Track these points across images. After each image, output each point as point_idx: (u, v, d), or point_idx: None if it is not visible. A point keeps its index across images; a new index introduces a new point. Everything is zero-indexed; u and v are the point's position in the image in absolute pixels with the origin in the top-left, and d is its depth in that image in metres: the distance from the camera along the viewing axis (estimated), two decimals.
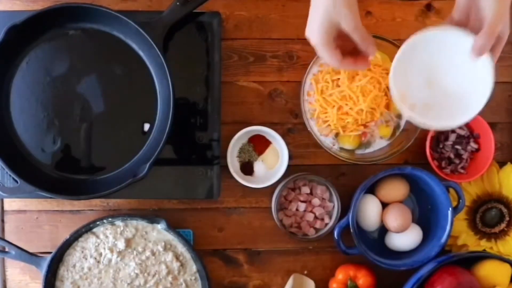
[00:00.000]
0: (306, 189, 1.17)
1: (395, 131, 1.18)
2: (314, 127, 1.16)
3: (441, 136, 1.18)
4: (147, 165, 1.05)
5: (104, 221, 1.12)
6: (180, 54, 1.13)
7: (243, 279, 1.20)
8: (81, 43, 1.11)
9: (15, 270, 1.18)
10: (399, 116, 1.18)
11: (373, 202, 1.16)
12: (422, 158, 1.18)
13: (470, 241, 1.18)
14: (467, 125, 1.18)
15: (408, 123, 1.18)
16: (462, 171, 1.18)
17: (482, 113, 1.16)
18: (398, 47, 1.12)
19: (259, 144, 1.18)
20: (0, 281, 1.17)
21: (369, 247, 1.14)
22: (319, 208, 1.16)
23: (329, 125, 1.15)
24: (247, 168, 1.18)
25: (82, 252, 1.12)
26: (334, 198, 1.16)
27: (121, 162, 1.12)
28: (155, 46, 1.06)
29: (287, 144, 1.15)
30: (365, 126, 1.16)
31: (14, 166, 1.05)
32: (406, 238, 1.16)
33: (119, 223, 1.13)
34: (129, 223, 1.13)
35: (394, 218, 1.14)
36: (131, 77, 1.12)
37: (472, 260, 1.12)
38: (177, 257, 1.13)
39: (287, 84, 1.19)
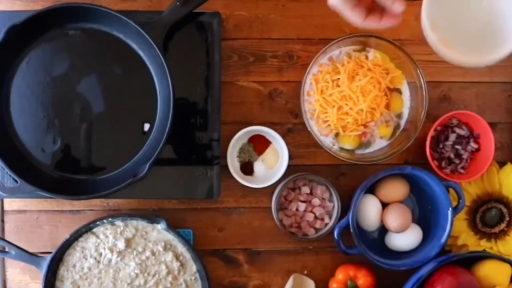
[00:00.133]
0: (306, 189, 1.17)
1: (395, 131, 1.18)
2: (314, 127, 1.16)
3: (441, 136, 1.18)
4: (147, 165, 1.05)
5: (104, 221, 1.12)
6: (180, 54, 1.13)
7: (243, 279, 1.20)
8: (81, 43, 1.11)
9: (15, 270, 1.18)
10: (399, 116, 1.18)
11: (373, 202, 1.16)
12: (422, 158, 1.18)
13: (470, 241, 1.18)
14: (467, 125, 1.18)
15: (408, 123, 1.18)
16: (462, 171, 1.18)
17: (482, 113, 1.18)
18: (398, 47, 1.13)
19: (259, 144, 1.18)
20: (0, 281, 1.17)
21: (369, 247, 1.14)
22: (319, 208, 1.16)
23: (329, 125, 1.15)
24: (247, 168, 1.18)
25: (82, 252, 1.12)
26: (334, 198, 1.16)
27: (121, 162, 1.12)
28: (155, 46, 1.06)
29: (287, 144, 1.15)
30: (365, 126, 1.16)
31: (14, 166, 1.05)
32: (406, 238, 1.16)
33: (119, 223, 1.13)
34: (129, 223, 1.13)
35: (394, 218, 1.14)
36: (131, 77, 1.12)
37: (472, 260, 1.12)
38: (177, 257, 1.13)
39: (287, 84, 1.19)
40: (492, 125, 1.19)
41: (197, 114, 1.14)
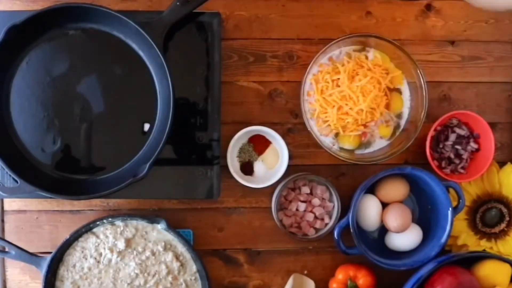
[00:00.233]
0: (306, 189, 1.17)
1: (395, 131, 1.18)
2: (314, 127, 1.16)
3: (441, 136, 1.18)
4: (147, 165, 1.05)
5: (104, 221, 1.12)
6: (180, 54, 1.13)
7: (243, 279, 1.20)
8: (81, 43, 1.11)
9: (15, 270, 1.18)
10: (399, 116, 1.18)
11: (373, 202, 1.16)
12: (422, 158, 1.18)
13: (470, 241, 1.18)
14: (467, 125, 1.18)
15: (408, 123, 1.18)
16: (462, 171, 1.18)
17: (482, 113, 1.18)
18: (398, 47, 1.13)
19: (259, 144, 1.18)
20: (0, 281, 1.17)
21: (369, 247, 1.14)
22: (319, 208, 1.16)
23: (329, 125, 1.15)
24: (247, 168, 1.18)
25: (82, 252, 1.12)
26: (334, 198, 1.16)
27: (121, 162, 1.12)
28: (155, 46, 1.06)
29: (287, 144, 1.15)
30: (365, 126, 1.16)
31: (14, 166, 1.05)
32: (406, 238, 1.16)
33: (119, 223, 1.13)
34: (129, 223, 1.13)
35: (394, 218, 1.14)
36: (131, 77, 1.12)
37: (472, 260, 1.12)
38: (177, 257, 1.13)
39: (287, 84, 1.19)
40: (492, 125, 1.19)
41: (197, 114, 1.14)
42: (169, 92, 1.07)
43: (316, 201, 1.16)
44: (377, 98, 1.14)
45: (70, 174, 1.11)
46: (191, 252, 1.13)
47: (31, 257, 1.10)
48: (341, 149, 1.18)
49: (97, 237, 1.12)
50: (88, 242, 1.12)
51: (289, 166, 1.15)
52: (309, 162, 1.20)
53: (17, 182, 1.05)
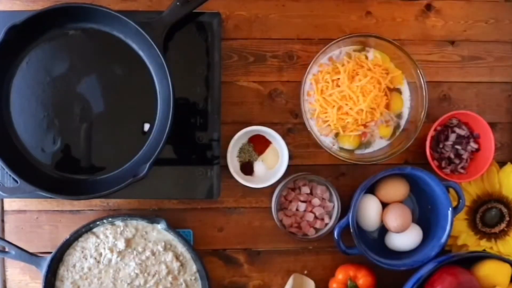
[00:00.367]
0: (306, 189, 1.17)
1: (395, 131, 1.18)
2: (314, 127, 1.16)
3: (441, 136, 1.18)
4: (147, 165, 1.05)
5: (104, 221, 1.12)
6: (180, 54, 1.13)
7: (243, 279, 1.20)
8: (81, 43, 1.11)
9: (15, 270, 1.18)
10: (399, 116, 1.18)
11: (373, 202, 1.16)
12: (422, 158, 1.18)
13: (470, 241, 1.18)
14: (467, 125, 1.18)
15: (408, 123, 1.18)
16: (462, 171, 1.18)
17: (482, 113, 1.18)
18: (398, 47, 1.13)
19: (259, 144, 1.18)
20: (0, 281, 1.17)
21: (369, 247, 1.14)
22: (319, 208, 1.16)
23: (329, 125, 1.15)
24: (247, 168, 1.18)
25: (82, 252, 1.12)
26: (334, 198, 1.16)
27: (121, 162, 1.12)
28: (155, 46, 1.06)
29: (287, 144, 1.15)
30: (365, 126, 1.16)
31: (14, 166, 1.05)
32: (406, 238, 1.16)
33: (119, 223, 1.13)
34: (129, 223, 1.13)
35: (394, 218, 1.14)
36: (131, 77, 1.12)
37: (472, 260, 1.12)
38: (177, 257, 1.13)
39: (287, 84, 1.19)
40: (492, 125, 1.19)
41: (197, 114, 1.14)
42: (169, 92, 1.07)
43: (316, 201, 1.16)
44: (377, 98, 1.14)
45: (70, 174, 1.11)
46: (191, 252, 1.13)
47: (31, 257, 1.10)
48: (341, 149, 1.18)
49: (97, 237, 1.12)
50: (88, 242, 1.12)
51: (289, 166, 1.15)
52: (309, 162, 1.20)
53: (17, 182, 1.05)
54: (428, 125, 1.16)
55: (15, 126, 1.10)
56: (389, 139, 1.18)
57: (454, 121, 1.18)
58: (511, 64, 1.23)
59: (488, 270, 1.10)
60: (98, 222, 1.12)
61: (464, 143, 1.18)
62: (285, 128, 1.19)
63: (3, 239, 1.11)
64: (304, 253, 1.21)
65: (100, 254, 1.12)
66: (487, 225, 1.20)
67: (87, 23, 1.11)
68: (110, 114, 1.12)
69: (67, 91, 1.11)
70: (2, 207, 1.17)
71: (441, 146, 1.18)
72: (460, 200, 1.14)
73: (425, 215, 1.19)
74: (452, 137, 1.17)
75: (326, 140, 1.17)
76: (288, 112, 1.19)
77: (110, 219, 1.12)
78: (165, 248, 1.13)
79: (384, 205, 1.17)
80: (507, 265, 1.10)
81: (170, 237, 1.13)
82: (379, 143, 1.18)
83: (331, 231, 1.15)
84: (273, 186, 1.17)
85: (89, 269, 1.12)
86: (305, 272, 1.21)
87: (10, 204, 1.17)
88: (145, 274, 1.12)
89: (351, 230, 1.11)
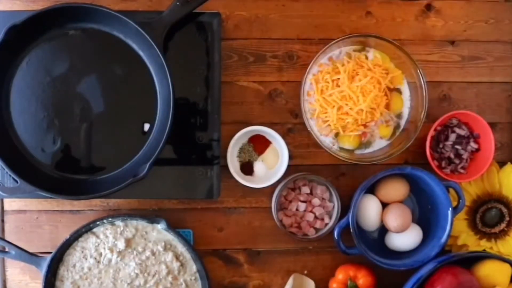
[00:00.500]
0: (306, 189, 1.17)
1: (395, 131, 1.18)
2: (314, 127, 1.16)
3: (441, 136, 1.18)
4: (147, 165, 1.05)
5: (104, 221, 1.12)
6: (180, 54, 1.13)
7: (243, 279, 1.20)
8: (81, 43, 1.11)
9: (15, 270, 1.18)
10: (399, 116, 1.18)
11: (373, 202, 1.16)
12: (422, 158, 1.18)
13: (470, 241, 1.18)
14: (467, 125, 1.18)
15: (408, 123, 1.18)
16: (462, 171, 1.18)
17: (482, 113, 1.18)
18: (398, 47, 1.13)
19: (259, 144, 1.18)
20: (0, 281, 1.17)
21: (369, 247, 1.14)
22: (319, 208, 1.16)
23: (329, 125, 1.15)
24: (247, 168, 1.18)
25: (82, 252, 1.12)
26: (334, 198, 1.16)
27: (121, 162, 1.12)
28: (155, 46, 1.06)
29: (287, 144, 1.15)
30: (365, 126, 1.16)
31: (14, 166, 1.05)
32: (406, 238, 1.16)
33: (119, 223, 1.13)
34: (129, 223, 1.13)
35: (394, 218, 1.14)
36: (131, 77, 1.12)
37: (472, 260, 1.12)
38: (177, 257, 1.13)
39: (287, 84, 1.19)
40: (492, 125, 1.19)
41: (197, 114, 1.14)
42: (169, 92, 1.07)
43: (316, 201, 1.16)
44: (377, 98, 1.14)
45: (70, 174, 1.11)
46: (191, 252, 1.13)
47: (31, 257, 1.10)
48: (341, 149, 1.18)
49: (97, 237, 1.12)
50: (88, 242, 1.12)
51: (289, 166, 1.15)
52: (309, 162, 1.20)
53: (17, 182, 1.05)
54: (428, 125, 1.16)
55: (15, 126, 1.10)
56: (389, 139, 1.18)
57: (454, 121, 1.18)
58: (511, 64, 1.23)
59: (488, 270, 1.10)
60: (98, 222, 1.12)
61: (464, 143, 1.18)
62: (285, 128, 1.19)
63: (3, 239, 1.11)
64: (304, 253, 1.21)
65: (100, 254, 1.12)
66: (487, 225, 1.20)
67: (87, 23, 1.11)
68: (110, 114, 1.12)
69: (67, 91, 1.11)
70: (2, 207, 1.17)
71: (441, 146, 1.18)
72: (460, 200, 1.14)
73: (425, 215, 1.19)
74: (452, 137, 1.17)
75: (326, 140, 1.17)
76: (288, 112, 1.19)
77: (110, 219, 1.12)
78: (165, 248, 1.13)
79: (384, 205, 1.17)
80: (507, 265, 1.10)
81: (170, 237, 1.13)
82: (379, 143, 1.18)
83: (331, 231, 1.15)
84: (273, 186, 1.17)
85: (89, 269, 1.12)
86: (305, 272, 1.21)
87: (10, 204, 1.17)
88: (145, 274, 1.12)
89: (351, 230, 1.11)
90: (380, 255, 1.14)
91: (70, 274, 1.12)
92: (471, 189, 1.20)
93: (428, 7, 1.21)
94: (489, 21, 1.22)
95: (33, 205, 1.18)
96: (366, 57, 1.17)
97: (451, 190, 1.14)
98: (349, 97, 1.13)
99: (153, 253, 1.12)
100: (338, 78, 1.14)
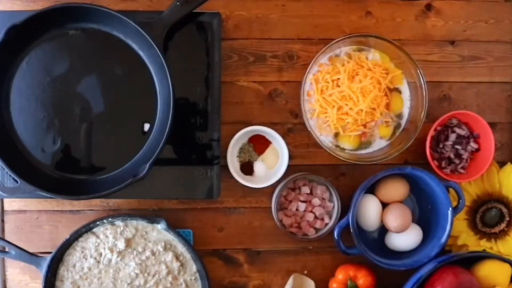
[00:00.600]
0: (306, 189, 1.17)
1: (395, 131, 1.18)
2: (314, 127, 1.16)
3: (441, 136, 1.18)
4: (147, 165, 1.05)
5: (104, 221, 1.12)
6: (180, 54, 1.13)
7: (243, 279, 1.20)
8: (81, 43, 1.11)
9: (15, 270, 1.18)
10: (399, 116, 1.18)
11: (373, 202, 1.16)
12: (422, 158, 1.18)
13: (470, 241, 1.18)
14: (467, 125, 1.18)
15: (408, 123, 1.18)
16: (462, 171, 1.18)
17: (482, 113, 1.18)
18: (398, 47, 1.13)
19: (259, 144, 1.18)
20: (0, 281, 1.17)
21: (369, 247, 1.14)
22: (319, 208, 1.16)
23: (329, 125, 1.15)
24: (247, 168, 1.18)
25: (82, 252, 1.12)
26: (334, 198, 1.16)
27: (121, 162, 1.12)
28: (155, 46, 1.06)
29: (287, 144, 1.15)
30: (365, 126, 1.16)
31: (14, 166, 1.05)
32: (406, 238, 1.16)
33: (119, 223, 1.13)
34: (129, 223, 1.13)
35: (394, 218, 1.14)
36: (131, 77, 1.12)
37: (472, 260, 1.12)
38: (177, 257, 1.13)
39: (287, 84, 1.19)
40: (492, 125, 1.19)
41: (197, 114, 1.14)
42: (169, 92, 1.07)
43: (316, 201, 1.16)
44: (377, 98, 1.14)
45: (70, 174, 1.11)
46: (191, 252, 1.13)
47: (31, 257, 1.10)
48: (341, 149, 1.18)
49: (97, 237, 1.12)
50: (88, 242, 1.12)
51: (289, 166, 1.15)
52: (309, 162, 1.20)
53: (17, 182, 1.05)
54: (428, 125, 1.16)
55: (15, 126, 1.10)
56: (389, 139, 1.18)
57: (454, 121, 1.18)
58: (511, 64, 1.23)
59: (488, 270, 1.10)
60: (98, 222, 1.12)
61: (464, 143, 1.18)
62: (285, 128, 1.19)
63: (3, 239, 1.11)
64: (304, 253, 1.21)
65: (100, 254, 1.12)
66: (487, 225, 1.20)
67: (87, 23, 1.11)
68: (110, 114, 1.12)
69: (67, 91, 1.11)
70: (2, 207, 1.17)
71: (441, 146, 1.18)
72: (460, 200, 1.14)
73: (425, 215, 1.19)
74: (452, 137, 1.17)
75: (326, 140, 1.17)
76: (288, 112, 1.19)
77: (110, 219, 1.12)
78: (165, 248, 1.13)
79: (384, 205, 1.17)
80: (507, 265, 1.10)
81: (170, 237, 1.13)
82: (379, 143, 1.18)
83: (331, 231, 1.15)
84: (273, 186, 1.17)
85: (89, 269, 1.12)
86: (305, 272, 1.21)
87: (10, 204, 1.17)
88: (145, 274, 1.12)
89: (351, 230, 1.11)
90: (380, 255, 1.14)
91: (70, 274, 1.12)
92: (471, 189, 1.20)
93: (428, 7, 1.21)
94: (489, 21, 1.22)
95: (33, 205, 1.17)
96: (366, 57, 1.17)
97: (451, 190, 1.14)
98: (349, 97, 1.13)
99: (153, 253, 1.12)
100: (338, 78, 1.14)
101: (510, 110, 1.23)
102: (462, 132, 1.17)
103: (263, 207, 1.19)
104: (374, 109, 1.15)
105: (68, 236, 1.11)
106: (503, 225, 1.19)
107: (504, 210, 1.19)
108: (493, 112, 1.22)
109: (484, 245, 1.18)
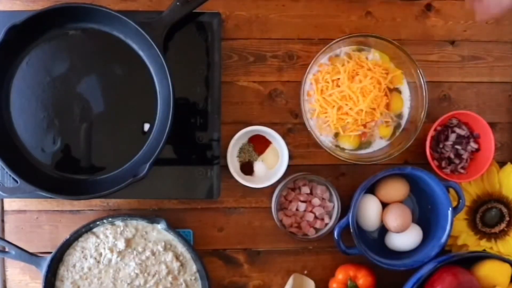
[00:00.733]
0: (306, 189, 1.17)
1: (395, 131, 1.18)
2: (314, 127, 1.16)
3: (441, 136, 1.18)
4: (147, 165, 1.05)
5: (104, 221, 1.12)
6: (180, 54, 1.13)
7: (243, 279, 1.20)
8: (81, 43, 1.11)
9: (15, 270, 1.18)
10: (399, 116, 1.18)
11: (373, 202, 1.16)
12: (422, 158, 1.18)
13: (470, 241, 1.18)
14: (467, 125, 1.18)
15: (408, 123, 1.18)
16: (462, 171, 1.18)
17: (482, 113, 1.18)
18: (398, 47, 1.13)
19: (259, 144, 1.18)
20: (0, 281, 1.17)
21: (369, 247, 1.14)
22: (319, 208, 1.16)
23: (329, 125, 1.15)
24: (247, 168, 1.18)
25: (82, 252, 1.12)
26: (334, 198, 1.16)
27: (121, 162, 1.12)
28: (155, 46, 1.06)
29: (287, 144, 1.15)
30: (365, 126, 1.16)
31: (14, 166, 1.05)
32: (406, 238, 1.16)
33: (119, 223, 1.13)
34: (129, 223, 1.13)
35: (394, 218, 1.14)
36: (131, 77, 1.12)
37: (472, 260, 1.12)
38: (177, 257, 1.13)
39: (287, 84, 1.19)
40: (492, 125, 1.19)
41: (197, 114, 1.14)
42: (169, 92, 1.07)
43: (316, 201, 1.16)
44: (377, 98, 1.14)
45: (70, 174, 1.11)
46: (191, 252, 1.13)
47: (31, 257, 1.10)
48: (341, 149, 1.18)
49: (97, 237, 1.12)
50: (88, 242, 1.12)
51: (289, 166, 1.15)
52: (309, 162, 1.20)
53: (17, 182, 1.05)
54: (428, 125, 1.16)
55: (15, 126, 1.10)
56: (389, 139, 1.18)
57: (454, 121, 1.18)
58: (511, 64, 1.23)
59: (488, 270, 1.10)
60: (98, 222, 1.12)
61: (464, 143, 1.18)
62: (285, 128, 1.19)
63: (3, 239, 1.11)
64: (304, 253, 1.21)
65: (100, 254, 1.12)
66: (487, 225, 1.20)
67: (87, 23, 1.11)
68: (110, 114, 1.12)
69: (67, 91, 1.11)
70: (2, 207, 1.17)
71: (441, 146, 1.18)
72: (460, 200, 1.14)
73: (425, 215, 1.19)
74: (452, 137, 1.17)
75: (326, 140, 1.17)
76: (288, 112, 1.19)
77: (110, 219, 1.12)
78: (165, 248, 1.13)
79: (384, 205, 1.17)
80: (507, 265, 1.10)
81: (170, 237, 1.13)
82: (379, 143, 1.18)
83: (331, 231, 1.15)
84: (273, 186, 1.17)
85: (89, 269, 1.12)
86: (305, 272, 1.21)
87: (10, 204, 1.17)
88: (145, 274, 1.12)
89: (351, 230, 1.11)
90: (380, 255, 1.14)
91: (70, 274, 1.12)
92: (471, 189, 1.20)
93: (428, 7, 1.21)
94: (489, 21, 1.22)
95: (33, 205, 1.17)
96: (366, 57, 1.17)
97: (451, 190, 1.14)
98: (349, 97, 1.13)
99: (153, 253, 1.12)
100: (338, 78, 1.14)
101: (510, 110, 1.23)
102: (462, 132, 1.17)
103: (263, 207, 1.19)
104: (374, 109, 1.15)
105: (68, 236, 1.11)
106: (503, 225, 1.19)
107: (504, 210, 1.19)
108: (493, 112, 1.22)
109: (484, 245, 1.18)
